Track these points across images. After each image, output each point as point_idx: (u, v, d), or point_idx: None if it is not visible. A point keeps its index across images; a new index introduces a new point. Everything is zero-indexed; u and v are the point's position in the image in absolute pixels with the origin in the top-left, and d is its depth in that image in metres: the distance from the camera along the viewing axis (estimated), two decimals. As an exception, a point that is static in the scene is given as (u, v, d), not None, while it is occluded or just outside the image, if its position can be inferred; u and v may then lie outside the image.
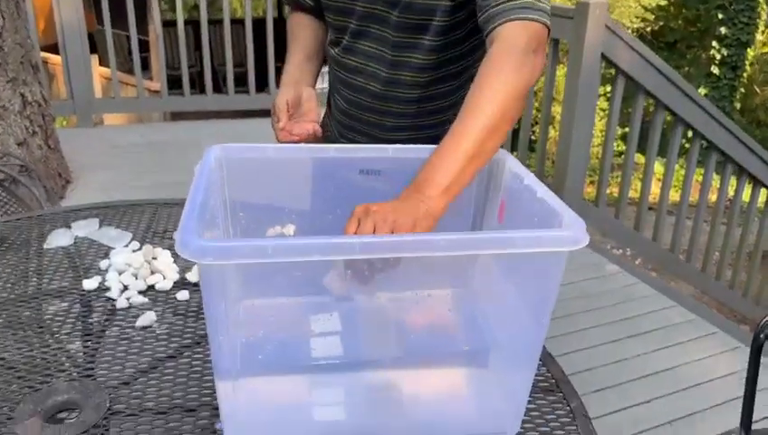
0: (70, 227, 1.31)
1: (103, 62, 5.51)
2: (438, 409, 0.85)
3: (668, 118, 3.21)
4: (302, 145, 0.98)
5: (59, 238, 1.26)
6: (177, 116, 5.14)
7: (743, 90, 11.24)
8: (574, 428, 0.86)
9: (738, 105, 11.26)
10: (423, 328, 0.88)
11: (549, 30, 0.99)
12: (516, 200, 0.90)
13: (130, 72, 4.89)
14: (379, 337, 0.86)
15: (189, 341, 0.99)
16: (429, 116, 1.21)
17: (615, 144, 3.58)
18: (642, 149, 3.41)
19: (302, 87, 1.15)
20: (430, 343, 0.90)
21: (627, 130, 3.39)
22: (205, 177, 0.82)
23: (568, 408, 0.89)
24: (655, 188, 4.24)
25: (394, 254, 0.69)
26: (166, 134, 4.49)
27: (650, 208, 3.49)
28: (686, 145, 3.60)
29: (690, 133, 3.24)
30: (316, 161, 0.96)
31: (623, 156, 3.48)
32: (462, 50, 1.14)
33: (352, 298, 0.84)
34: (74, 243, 1.27)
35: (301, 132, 1.07)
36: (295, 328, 0.89)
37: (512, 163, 0.94)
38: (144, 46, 5.76)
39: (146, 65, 6.10)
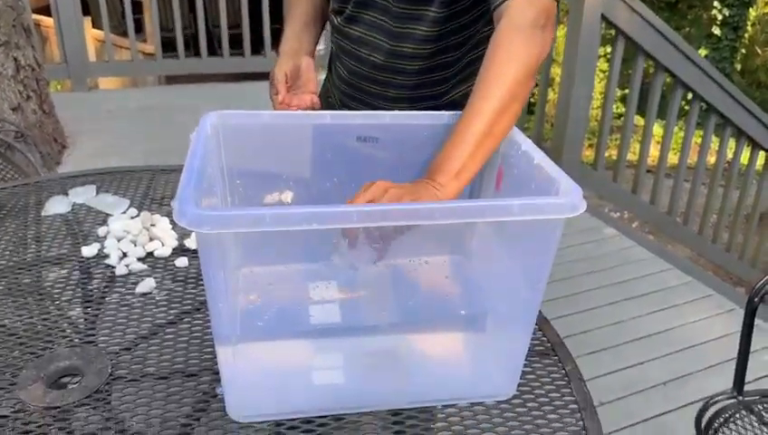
0: (67, 194, 1.31)
1: (96, 24, 5.42)
2: (436, 373, 0.86)
3: (668, 80, 3.18)
4: (299, 112, 0.97)
5: (56, 205, 1.26)
6: (171, 79, 5.08)
7: (743, 51, 11.12)
8: (569, 390, 0.87)
9: (739, 66, 11.15)
10: (421, 294, 0.89)
11: (558, 3, 0.97)
12: (514, 167, 0.90)
13: (124, 34, 4.82)
14: (377, 304, 0.87)
15: (189, 307, 1.00)
16: (431, 87, 1.20)
17: (614, 106, 3.56)
18: (641, 111, 3.39)
19: (301, 57, 1.13)
20: (428, 309, 0.91)
21: (626, 91, 3.37)
22: (201, 144, 0.81)
23: (563, 371, 0.91)
24: (653, 151, 4.23)
25: (392, 222, 0.69)
26: (161, 98, 4.46)
27: (649, 171, 3.49)
28: (686, 107, 3.58)
29: (690, 95, 3.22)
30: (313, 128, 0.96)
31: (622, 118, 3.46)
32: (465, 21, 1.13)
33: (356, 268, 0.85)
34: (72, 210, 1.27)
35: (300, 104, 1.06)
36: (294, 295, 0.90)
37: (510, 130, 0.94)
38: (137, 8, 5.66)
39: (139, 27, 6.00)
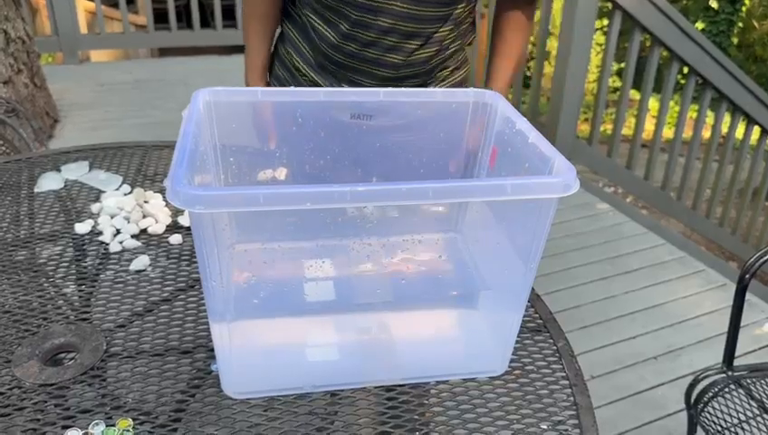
0: (59, 171, 1.30)
1: (87, -5, 5.34)
2: (428, 350, 0.87)
3: (664, 54, 3.17)
4: (292, 89, 0.97)
5: (49, 182, 1.26)
6: (164, 52, 5.03)
7: (741, 24, 11.05)
8: (560, 367, 0.88)
9: (735, 40, 11.09)
10: (414, 273, 0.90)
11: None
12: (508, 146, 0.90)
13: (115, 6, 4.75)
14: (371, 282, 0.87)
15: (183, 284, 1.00)
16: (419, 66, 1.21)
17: (610, 80, 3.54)
18: (637, 85, 3.38)
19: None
20: (421, 287, 0.91)
21: (622, 65, 3.35)
22: (193, 122, 0.81)
23: (554, 348, 0.92)
24: (648, 125, 4.22)
25: (385, 202, 0.69)
26: (153, 71, 4.41)
27: (643, 146, 3.49)
28: (682, 81, 3.57)
29: (686, 70, 3.20)
30: (306, 105, 0.95)
31: (617, 92, 3.45)
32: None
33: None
34: (65, 186, 1.26)
35: None
36: (288, 273, 0.90)
37: (504, 107, 0.94)
38: (128, -22, 5.57)
39: (131, -1, 5.92)
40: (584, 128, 4.76)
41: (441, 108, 0.98)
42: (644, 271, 2.61)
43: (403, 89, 0.97)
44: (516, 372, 0.87)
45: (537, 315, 0.97)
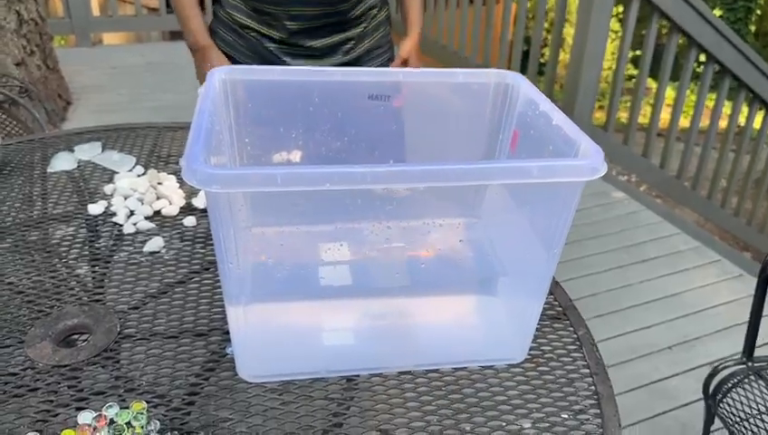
0: (72, 151, 1.29)
1: (99, -23, 5.33)
2: (447, 336, 0.86)
3: (681, 41, 3.11)
4: (309, 68, 0.94)
5: (62, 162, 1.24)
6: (176, 35, 5.01)
7: (759, 12, 10.88)
8: (581, 355, 0.87)
9: (753, 28, 10.93)
10: (433, 257, 0.88)
11: None
12: (531, 128, 0.87)
13: (127, -12, 4.73)
14: (389, 266, 0.86)
15: (198, 266, 0.99)
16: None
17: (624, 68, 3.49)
18: (653, 73, 3.33)
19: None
20: (439, 272, 0.90)
21: (638, 53, 3.30)
22: (209, 100, 0.79)
23: (575, 336, 0.90)
24: (664, 114, 4.16)
25: (405, 184, 0.67)
26: (165, 54, 4.39)
27: (659, 135, 3.44)
28: (698, 70, 3.51)
29: (703, 57, 3.15)
30: (322, 85, 0.93)
31: (633, 80, 3.40)
32: None
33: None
34: (78, 167, 1.25)
35: None
36: (305, 256, 0.88)
37: (527, 88, 0.91)
38: (141, -39, 5.54)
39: (143, -19, 5.88)
40: (599, 116, 4.71)
41: (461, 88, 0.96)
42: (660, 260, 2.58)
43: (422, 69, 0.94)
44: (536, 359, 0.85)
45: (556, 302, 0.95)
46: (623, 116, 3.82)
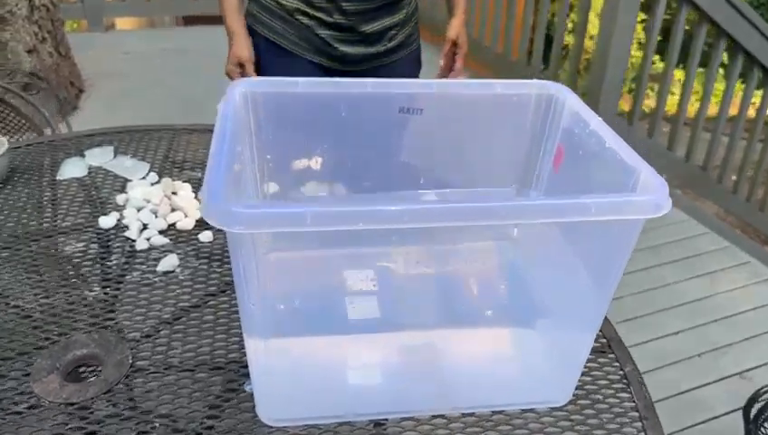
0: (83, 156, 1.23)
1: (112, -40, 5.23)
2: (483, 375, 0.79)
3: (708, 28, 2.99)
4: (335, 79, 0.87)
5: (72, 169, 1.18)
6: (189, 20, 4.93)
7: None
8: (628, 395, 0.80)
9: (777, 12, 10.66)
10: (467, 287, 0.81)
11: None
12: (579, 148, 0.80)
13: (141, -29, 4.64)
14: (418, 296, 0.79)
15: (215, 288, 0.93)
16: None
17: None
18: (679, 62, 3.22)
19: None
20: (474, 304, 0.83)
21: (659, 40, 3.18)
22: (230, 120, 0.72)
23: (621, 372, 0.83)
24: (688, 104, 4.04)
25: (445, 223, 0.60)
26: (179, 40, 4.32)
27: (685, 124, 3.32)
28: (726, 59, 3.39)
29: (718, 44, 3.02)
30: (350, 97, 0.86)
31: (647, 65, 3.26)
32: None
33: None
34: (89, 174, 1.19)
35: None
36: (329, 285, 0.82)
37: (573, 102, 0.83)
38: (154, -57, 5.45)
39: (157, -36, 5.79)
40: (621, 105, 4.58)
41: (500, 101, 0.88)
42: (686, 262, 2.49)
43: (459, 80, 0.87)
44: (580, 401, 0.78)
45: (600, 333, 0.88)
46: (646, 104, 3.71)
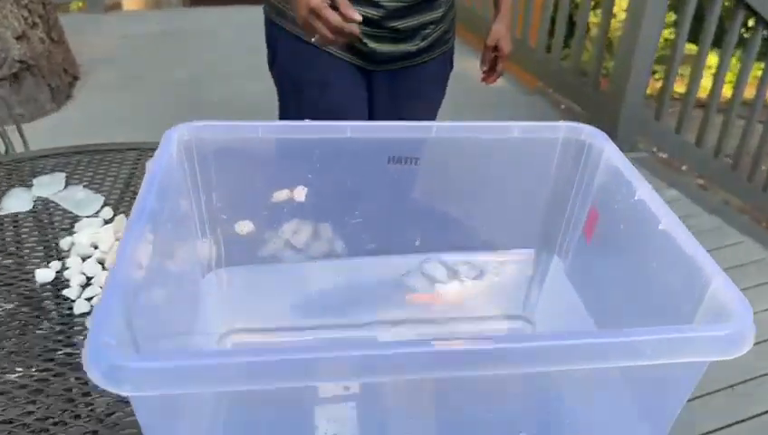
0: (30, 185, 1.06)
1: (115, -65, 5.03)
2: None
3: (726, 3, 2.74)
4: (307, 122, 0.69)
5: (15, 202, 1.02)
6: (195, 1, 4.74)
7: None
8: None
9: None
10: (475, 400, 0.63)
11: None
12: (617, 216, 0.61)
13: (143, -51, 4.45)
14: (411, 413, 0.61)
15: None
16: None
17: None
18: (693, 38, 2.96)
19: None
20: (479, 415, 0.65)
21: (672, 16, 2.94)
22: (156, 185, 0.55)
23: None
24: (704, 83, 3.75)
25: (473, 372, 0.42)
26: (184, 21, 4.13)
27: (701, 106, 3.07)
28: (746, 35, 3.13)
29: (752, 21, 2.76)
30: (326, 144, 0.67)
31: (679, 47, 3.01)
32: None
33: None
34: (33, 207, 1.02)
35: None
36: (294, 391, 0.64)
37: (611, 153, 0.65)
38: None
39: (162, -60, 5.59)
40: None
41: (518, 148, 0.70)
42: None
43: (465, 123, 0.68)
44: None
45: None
46: (657, 87, 3.45)
